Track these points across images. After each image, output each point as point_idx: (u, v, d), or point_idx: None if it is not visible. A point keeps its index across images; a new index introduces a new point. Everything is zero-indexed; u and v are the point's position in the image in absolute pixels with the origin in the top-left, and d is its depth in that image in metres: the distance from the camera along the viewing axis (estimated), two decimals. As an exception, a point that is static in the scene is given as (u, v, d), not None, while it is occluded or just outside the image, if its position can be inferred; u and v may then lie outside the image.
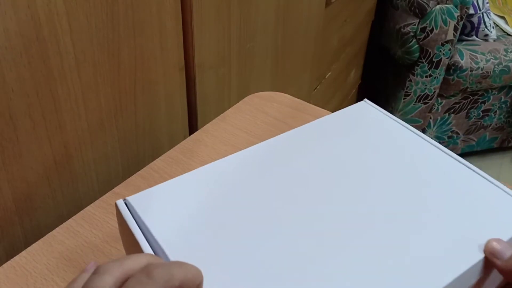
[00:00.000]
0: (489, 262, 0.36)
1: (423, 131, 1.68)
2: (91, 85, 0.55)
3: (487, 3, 1.56)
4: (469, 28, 1.58)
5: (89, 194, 0.61)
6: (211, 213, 0.38)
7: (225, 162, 0.43)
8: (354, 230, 0.37)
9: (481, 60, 1.52)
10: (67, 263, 0.46)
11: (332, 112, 0.52)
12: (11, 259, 0.46)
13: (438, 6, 1.40)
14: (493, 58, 1.53)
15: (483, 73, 1.52)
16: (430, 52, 1.47)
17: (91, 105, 0.56)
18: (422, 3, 1.42)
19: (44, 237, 0.49)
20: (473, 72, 1.51)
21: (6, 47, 0.44)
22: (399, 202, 0.39)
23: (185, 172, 0.41)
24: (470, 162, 0.43)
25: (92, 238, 0.48)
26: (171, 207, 0.38)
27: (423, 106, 1.61)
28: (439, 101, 1.61)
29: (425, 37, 1.45)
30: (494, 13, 1.74)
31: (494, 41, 1.60)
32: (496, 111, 1.70)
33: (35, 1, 0.45)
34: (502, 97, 1.67)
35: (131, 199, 0.38)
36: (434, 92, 1.57)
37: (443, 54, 1.47)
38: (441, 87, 1.57)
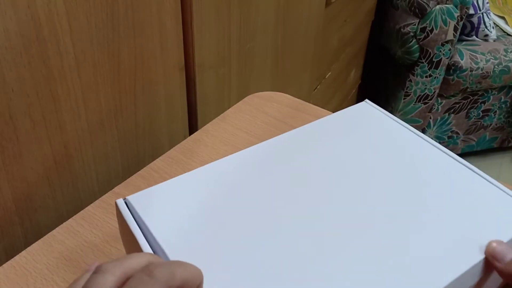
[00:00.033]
0: (490, 264, 0.36)
1: (423, 131, 1.68)
2: (91, 85, 0.55)
3: (487, 3, 1.56)
4: (469, 28, 1.58)
5: (89, 194, 0.61)
6: (211, 213, 0.38)
7: (225, 162, 0.43)
8: (354, 230, 0.37)
9: (481, 60, 1.52)
10: (67, 263, 0.46)
11: (332, 112, 0.52)
12: (11, 259, 0.46)
13: (438, 6, 1.40)
14: (493, 58, 1.53)
15: (483, 73, 1.52)
16: (430, 52, 1.47)
17: (91, 105, 0.56)
18: (422, 3, 1.42)
19: (44, 237, 0.49)
20: (473, 72, 1.51)
21: (6, 47, 0.44)
22: (399, 202, 0.39)
23: (185, 172, 0.41)
24: (470, 162, 0.43)
25: (92, 238, 0.48)
26: (171, 206, 0.38)
27: (423, 106, 1.61)
28: (439, 101, 1.61)
29: (425, 37, 1.45)
30: (494, 13, 1.74)
31: (494, 41, 1.60)
32: (496, 111, 1.70)
33: (35, 1, 0.45)
34: (502, 97, 1.67)
35: (131, 198, 0.38)
36: (434, 92, 1.57)
37: (443, 54, 1.47)
38: (441, 87, 1.57)
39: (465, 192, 0.41)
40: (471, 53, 1.52)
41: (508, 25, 1.71)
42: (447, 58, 1.49)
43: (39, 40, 0.47)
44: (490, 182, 0.42)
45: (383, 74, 1.73)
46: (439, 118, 1.66)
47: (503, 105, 1.70)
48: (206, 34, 0.70)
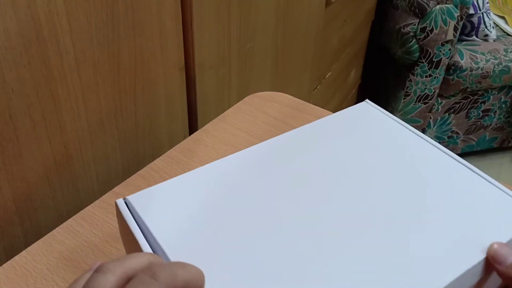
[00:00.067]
0: (490, 264, 0.35)
1: (423, 131, 1.68)
2: (91, 85, 0.55)
3: (487, 3, 1.56)
4: (469, 28, 1.58)
5: (89, 194, 0.61)
6: (211, 213, 0.38)
7: (225, 162, 0.43)
8: (354, 230, 0.37)
9: (481, 60, 1.52)
10: (67, 263, 0.46)
11: (332, 112, 0.52)
12: (11, 259, 0.46)
13: (438, 6, 1.40)
14: (493, 58, 1.53)
15: (483, 73, 1.52)
16: (430, 52, 1.47)
17: (91, 105, 0.56)
18: (422, 3, 1.42)
19: (44, 237, 0.49)
20: (473, 72, 1.51)
21: (6, 47, 0.44)
22: (399, 202, 0.39)
23: (185, 172, 0.41)
24: (470, 162, 0.43)
25: (92, 238, 0.48)
26: (171, 206, 0.38)
27: (423, 106, 1.61)
28: (439, 101, 1.61)
29: (425, 37, 1.45)
30: (494, 13, 1.74)
31: (494, 41, 1.60)
32: (496, 111, 1.70)
33: (35, 1, 0.45)
34: (502, 97, 1.67)
35: (131, 198, 0.38)
36: (434, 92, 1.57)
37: (443, 54, 1.47)
38: (441, 87, 1.57)
39: (465, 192, 0.41)
40: (471, 53, 1.52)
41: (508, 25, 1.71)
42: (447, 58, 1.49)
43: (39, 40, 0.47)
44: (490, 182, 0.42)
45: (383, 74, 1.73)
46: (439, 118, 1.66)
47: (503, 105, 1.70)
48: (206, 34, 0.70)
